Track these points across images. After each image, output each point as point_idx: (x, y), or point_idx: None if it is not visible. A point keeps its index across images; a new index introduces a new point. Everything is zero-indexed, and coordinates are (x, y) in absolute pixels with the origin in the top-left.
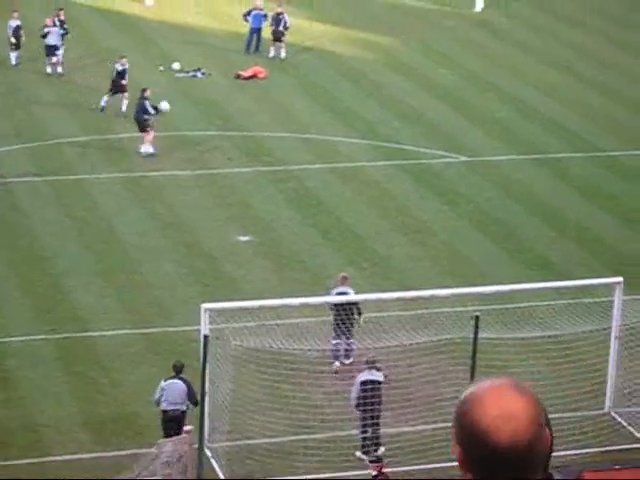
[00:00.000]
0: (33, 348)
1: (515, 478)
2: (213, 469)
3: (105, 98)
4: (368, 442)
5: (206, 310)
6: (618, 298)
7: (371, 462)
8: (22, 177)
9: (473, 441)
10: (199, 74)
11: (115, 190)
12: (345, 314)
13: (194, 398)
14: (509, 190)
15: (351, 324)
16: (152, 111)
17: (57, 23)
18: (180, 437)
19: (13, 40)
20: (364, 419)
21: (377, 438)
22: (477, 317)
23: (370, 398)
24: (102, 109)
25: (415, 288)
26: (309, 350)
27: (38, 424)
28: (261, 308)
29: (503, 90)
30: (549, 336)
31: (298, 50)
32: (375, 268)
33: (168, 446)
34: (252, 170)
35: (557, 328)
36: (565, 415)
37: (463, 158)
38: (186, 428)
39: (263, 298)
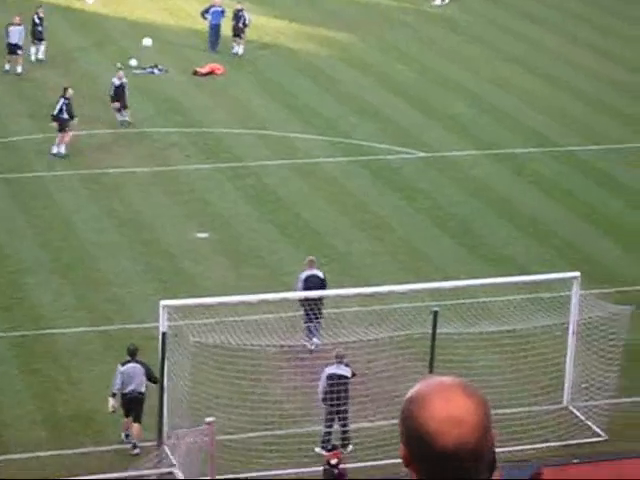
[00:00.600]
0: None
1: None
2: (172, 465)
3: (121, 115)
4: (330, 437)
5: (164, 307)
6: (575, 293)
7: (328, 451)
8: None
9: (419, 443)
10: (156, 71)
11: (73, 187)
12: (314, 302)
13: (153, 377)
14: (467, 186)
15: (319, 308)
16: (65, 116)
17: (37, 20)
18: (200, 428)
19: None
20: (330, 413)
21: (345, 433)
22: (436, 312)
23: (336, 392)
24: (125, 123)
25: (374, 284)
26: (268, 346)
27: None
28: (220, 305)
29: (460, 85)
30: (507, 331)
31: (256, 46)
32: (333, 264)
33: (188, 437)
34: (210, 167)
35: (515, 323)
36: (523, 409)
37: (421, 154)
38: (208, 419)
39: (221, 295)
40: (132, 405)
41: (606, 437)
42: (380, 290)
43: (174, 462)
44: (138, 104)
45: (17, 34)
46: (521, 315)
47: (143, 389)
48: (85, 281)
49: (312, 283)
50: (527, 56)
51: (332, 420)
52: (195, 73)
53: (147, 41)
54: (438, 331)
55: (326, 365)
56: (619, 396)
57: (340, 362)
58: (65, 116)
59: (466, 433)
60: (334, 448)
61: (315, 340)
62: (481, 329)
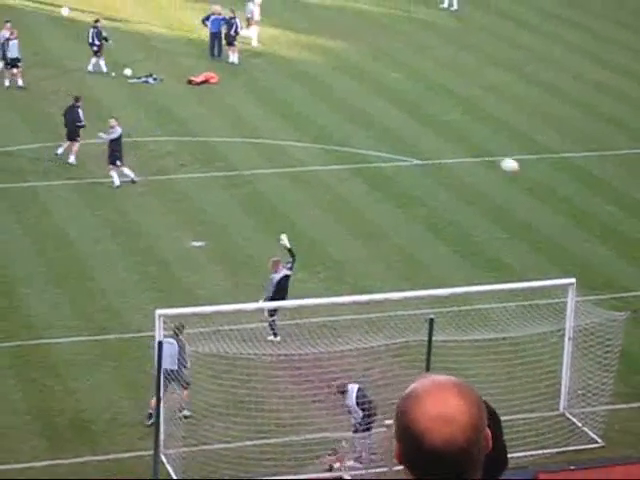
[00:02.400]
0: None
1: (449, 479)
2: (169, 475)
3: (122, 172)
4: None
5: (160, 316)
6: (571, 299)
7: (329, 455)
8: None
9: (410, 439)
10: (151, 80)
11: (67, 197)
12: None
13: (182, 362)
14: (462, 193)
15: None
16: (83, 122)
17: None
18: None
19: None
20: (359, 424)
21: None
22: (432, 320)
23: (368, 403)
24: (131, 181)
25: (369, 291)
26: (264, 355)
27: None
28: (215, 313)
29: (455, 93)
30: (503, 338)
31: (250, 55)
32: (329, 272)
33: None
34: (205, 175)
35: (511, 330)
36: (520, 416)
37: (415, 161)
38: (387, 422)
39: (217, 303)
40: (165, 382)
41: (603, 443)
42: (376, 298)
43: (171, 472)
44: (133, 113)
45: (15, 47)
46: (517, 322)
47: (175, 367)
48: (80, 291)
49: (283, 285)
50: (521, 63)
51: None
52: (190, 82)
53: (127, 71)
54: (434, 338)
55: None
56: (615, 402)
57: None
58: (77, 124)
59: (456, 432)
60: (335, 452)
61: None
62: (477, 336)
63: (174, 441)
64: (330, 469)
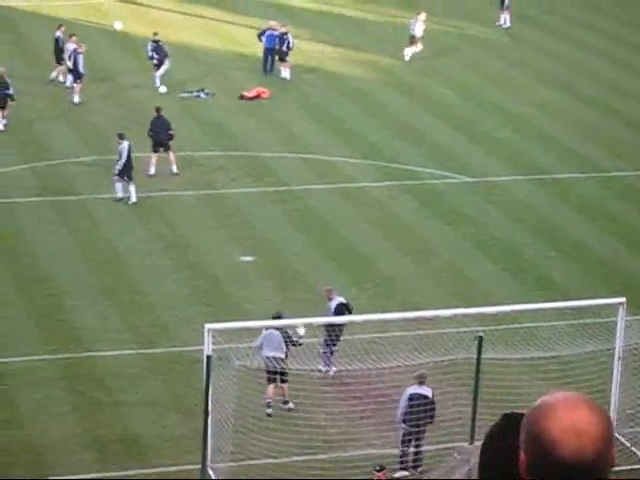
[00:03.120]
0: (35, 368)
1: None
2: None
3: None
4: (407, 458)
5: (209, 330)
6: (621, 318)
7: (377, 471)
8: (25, 197)
9: (538, 450)
10: (202, 94)
11: (118, 210)
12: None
13: (287, 346)
14: (511, 210)
15: (340, 332)
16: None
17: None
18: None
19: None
20: (409, 434)
21: (418, 454)
22: (481, 337)
23: (416, 413)
24: (125, 200)
25: (418, 308)
26: (312, 370)
27: (40, 445)
28: (264, 328)
29: (505, 110)
30: (552, 357)
31: (302, 70)
32: (378, 288)
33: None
34: (255, 190)
35: (560, 349)
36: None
37: (466, 178)
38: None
39: (266, 318)
40: (271, 372)
41: None
42: (424, 315)
43: None
44: (184, 128)
45: (81, 62)
46: (566, 341)
47: (282, 355)
48: (130, 304)
49: (341, 312)
50: (572, 81)
51: (410, 441)
52: (241, 97)
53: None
54: (482, 356)
55: (409, 386)
56: None
57: (422, 382)
58: (169, 133)
59: (587, 445)
60: (382, 469)
61: (333, 369)
62: (526, 355)
63: (222, 455)
64: None
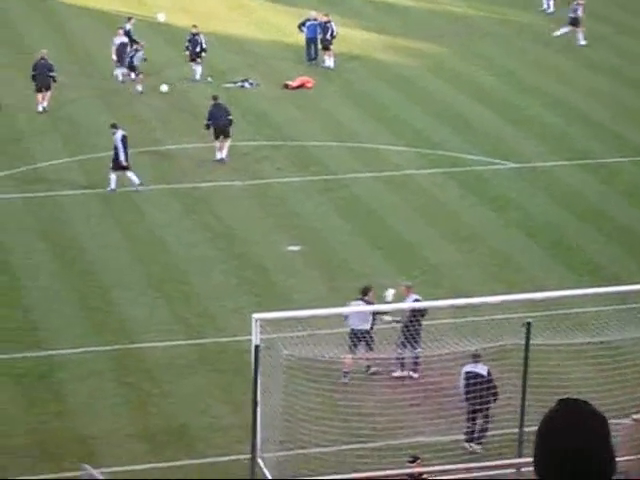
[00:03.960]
0: (84, 360)
1: None
2: (266, 479)
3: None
4: (473, 431)
5: (257, 320)
6: None
7: (410, 462)
8: (71, 189)
9: None
10: (247, 84)
11: (165, 201)
12: (412, 323)
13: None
14: (557, 196)
15: (417, 333)
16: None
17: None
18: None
19: (115, 57)
20: (468, 411)
21: (479, 431)
22: (529, 324)
23: (472, 391)
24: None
25: (465, 295)
26: (360, 358)
27: (90, 436)
28: (312, 317)
29: (550, 95)
30: (601, 342)
31: (345, 59)
32: (425, 276)
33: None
34: (301, 179)
35: (608, 334)
36: (618, 422)
37: (511, 164)
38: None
39: (313, 307)
40: (357, 339)
41: None
42: (472, 301)
43: (267, 475)
44: None
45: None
46: (614, 326)
47: (367, 326)
48: (177, 295)
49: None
50: (618, 66)
51: (471, 417)
52: (286, 86)
53: (164, 87)
54: (531, 342)
55: (464, 364)
56: None
57: (477, 361)
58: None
59: None
60: (415, 459)
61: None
62: (574, 340)
63: (271, 445)
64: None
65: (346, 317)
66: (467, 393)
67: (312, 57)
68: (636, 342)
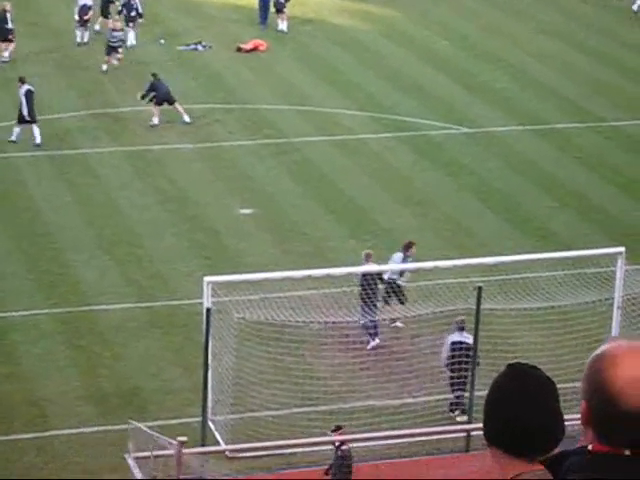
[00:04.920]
0: (36, 322)
1: (635, 442)
2: (217, 441)
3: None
4: (462, 400)
5: (208, 283)
6: (620, 268)
7: (332, 431)
8: (24, 151)
9: (602, 401)
10: (200, 47)
11: (117, 164)
12: (370, 288)
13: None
14: (511, 161)
15: (376, 299)
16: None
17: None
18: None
19: (77, 17)
20: (451, 379)
21: (458, 398)
22: (480, 288)
23: (458, 358)
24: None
25: (418, 260)
26: (312, 322)
27: (41, 398)
28: (264, 281)
29: (503, 60)
30: (552, 307)
31: (299, 22)
32: (377, 240)
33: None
34: (254, 143)
35: (559, 299)
36: (567, 385)
37: (464, 129)
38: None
39: (266, 271)
40: (391, 292)
41: None
42: (424, 266)
43: (218, 438)
44: (182, 81)
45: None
46: (565, 291)
47: (395, 277)
48: (129, 258)
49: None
50: (571, 31)
51: (457, 386)
52: (239, 49)
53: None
54: (482, 307)
55: (449, 332)
56: None
57: (462, 329)
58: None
59: None
60: (339, 428)
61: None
62: (525, 305)
63: (222, 408)
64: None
65: (382, 273)
66: (454, 363)
67: (265, 20)
68: (586, 307)
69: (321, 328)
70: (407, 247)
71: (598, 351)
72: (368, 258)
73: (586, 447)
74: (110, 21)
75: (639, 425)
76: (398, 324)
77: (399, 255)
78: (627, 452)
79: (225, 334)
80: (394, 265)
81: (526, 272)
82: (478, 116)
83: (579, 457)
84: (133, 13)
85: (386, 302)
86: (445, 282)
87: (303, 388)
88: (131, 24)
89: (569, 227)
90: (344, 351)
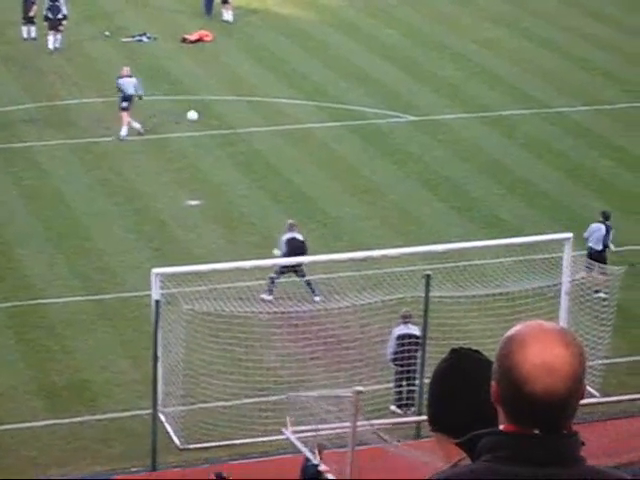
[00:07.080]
0: None
1: (546, 425)
2: (167, 433)
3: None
4: (403, 396)
5: (157, 275)
6: (567, 254)
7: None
8: None
9: (510, 384)
10: (145, 38)
11: (63, 157)
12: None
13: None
14: (457, 148)
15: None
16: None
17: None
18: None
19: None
20: (400, 373)
21: (411, 392)
22: (428, 276)
23: (407, 352)
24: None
25: (365, 248)
26: (261, 313)
27: None
28: (212, 272)
29: (449, 48)
30: (500, 293)
31: (244, 12)
32: (325, 229)
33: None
34: (200, 134)
35: (508, 285)
36: None
37: (411, 117)
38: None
39: (214, 262)
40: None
41: (600, 398)
42: (372, 254)
43: (169, 430)
44: None
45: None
46: (513, 277)
47: (599, 247)
48: (77, 251)
49: (294, 246)
50: (516, 18)
51: (402, 380)
52: (184, 40)
53: (192, 115)
54: (431, 295)
55: (395, 326)
56: (613, 356)
57: (408, 322)
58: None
59: (557, 382)
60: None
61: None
62: (473, 292)
63: (172, 399)
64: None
65: (587, 238)
66: (401, 357)
67: (210, 9)
68: (534, 293)
69: (270, 318)
70: (606, 216)
71: (509, 332)
72: (292, 228)
73: (497, 428)
74: None
75: (544, 408)
76: (601, 294)
77: (599, 225)
78: (536, 431)
79: (174, 326)
80: (337, 255)
81: (474, 259)
82: (424, 104)
83: (491, 437)
84: (60, 15)
85: (589, 270)
86: (393, 270)
87: (253, 379)
88: (60, 27)
89: (516, 214)
90: (294, 341)
